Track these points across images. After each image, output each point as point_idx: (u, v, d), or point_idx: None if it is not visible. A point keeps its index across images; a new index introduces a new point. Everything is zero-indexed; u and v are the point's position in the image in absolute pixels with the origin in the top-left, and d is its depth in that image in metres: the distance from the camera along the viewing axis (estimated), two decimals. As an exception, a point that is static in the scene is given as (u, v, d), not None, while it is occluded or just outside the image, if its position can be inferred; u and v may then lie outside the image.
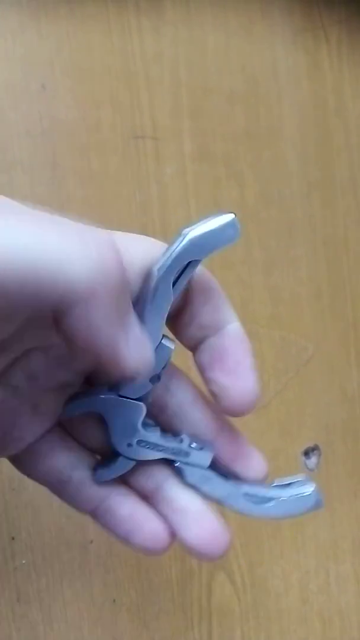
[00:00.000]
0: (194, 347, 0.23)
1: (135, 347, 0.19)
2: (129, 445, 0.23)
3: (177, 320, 0.22)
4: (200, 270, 0.21)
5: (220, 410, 0.23)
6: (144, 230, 0.38)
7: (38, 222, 0.16)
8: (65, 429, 0.23)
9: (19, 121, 0.36)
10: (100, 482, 0.23)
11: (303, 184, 0.44)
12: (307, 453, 0.44)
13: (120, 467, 0.23)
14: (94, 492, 0.23)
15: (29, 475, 0.23)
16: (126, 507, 0.23)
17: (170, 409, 0.24)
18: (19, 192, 0.35)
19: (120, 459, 0.23)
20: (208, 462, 0.23)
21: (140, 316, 0.21)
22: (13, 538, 0.36)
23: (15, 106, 0.36)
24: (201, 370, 0.22)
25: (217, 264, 0.41)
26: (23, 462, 0.23)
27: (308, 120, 0.44)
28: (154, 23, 0.39)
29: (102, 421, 0.23)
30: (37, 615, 0.37)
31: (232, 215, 0.20)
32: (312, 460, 0.44)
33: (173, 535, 0.23)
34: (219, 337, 0.22)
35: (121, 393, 0.22)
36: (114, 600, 0.39)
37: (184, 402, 0.23)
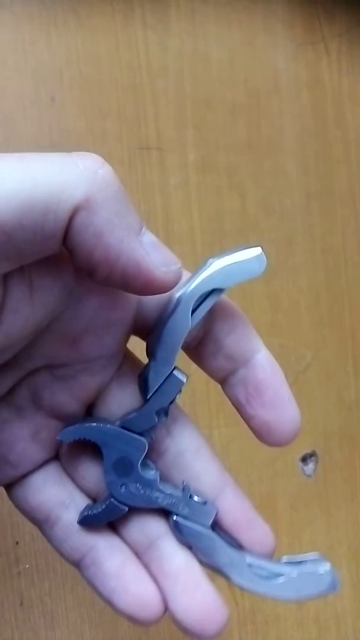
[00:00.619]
0: (222, 379, 0.21)
1: (154, 251, 0.18)
2: (124, 486, 0.21)
3: (201, 350, 0.21)
4: (223, 298, 0.21)
5: (263, 442, 0.21)
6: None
7: (24, 159, 0.16)
8: (62, 465, 0.22)
9: (28, 132, 0.36)
10: (85, 526, 0.21)
11: (303, 195, 0.44)
12: (304, 459, 0.45)
13: (110, 512, 0.21)
14: (82, 538, 0.21)
15: (19, 508, 0.22)
16: (114, 561, 0.21)
17: (170, 455, 0.22)
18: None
19: (111, 502, 0.21)
20: (210, 520, 0.21)
21: (156, 342, 0.20)
22: (17, 543, 0.36)
23: (26, 117, 0.36)
24: (237, 405, 0.21)
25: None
26: (15, 492, 0.22)
27: (308, 132, 0.44)
28: (159, 37, 0.40)
29: (99, 456, 0.21)
30: (40, 620, 0.37)
31: (259, 249, 0.20)
32: (310, 467, 0.45)
33: (165, 603, 0.20)
34: (250, 369, 0.21)
35: (123, 425, 0.21)
36: (115, 605, 0.39)
37: (186, 450, 0.22)
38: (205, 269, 0.20)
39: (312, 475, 0.45)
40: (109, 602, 0.21)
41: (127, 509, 0.21)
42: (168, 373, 0.20)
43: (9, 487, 0.22)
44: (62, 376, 0.21)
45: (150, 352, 0.20)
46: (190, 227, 0.41)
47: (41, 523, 0.22)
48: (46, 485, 0.22)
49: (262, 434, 0.21)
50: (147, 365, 0.20)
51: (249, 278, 0.20)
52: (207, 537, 0.21)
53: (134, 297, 0.20)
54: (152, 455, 0.22)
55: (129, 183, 0.39)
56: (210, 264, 0.20)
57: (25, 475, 0.22)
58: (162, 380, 0.20)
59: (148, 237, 0.18)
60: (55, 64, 0.37)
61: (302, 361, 0.44)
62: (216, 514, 0.21)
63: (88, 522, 0.21)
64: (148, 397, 0.20)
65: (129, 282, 0.18)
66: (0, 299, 0.17)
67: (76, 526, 0.21)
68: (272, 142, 0.43)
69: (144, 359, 0.21)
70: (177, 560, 0.21)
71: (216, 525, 0.21)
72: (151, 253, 0.18)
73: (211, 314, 0.21)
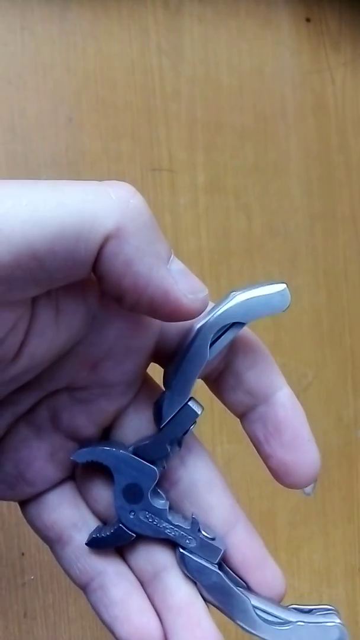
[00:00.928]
0: (241, 414, 0.21)
1: (182, 279, 0.18)
2: (132, 513, 0.21)
3: (221, 383, 0.21)
4: (246, 331, 0.21)
5: (280, 483, 0.21)
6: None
7: (57, 187, 0.16)
8: (76, 487, 0.22)
9: (46, 150, 0.37)
10: (93, 548, 0.21)
11: (306, 216, 0.45)
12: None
13: (118, 537, 0.21)
14: (92, 562, 0.21)
15: (32, 525, 0.22)
16: (120, 589, 0.21)
17: (183, 485, 0.21)
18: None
19: (120, 527, 0.21)
20: (218, 557, 0.20)
21: (173, 371, 0.20)
22: (23, 554, 0.37)
23: (44, 136, 0.37)
24: (255, 443, 0.21)
25: (224, 291, 0.42)
26: (30, 509, 0.22)
27: (312, 157, 0.46)
28: (173, 63, 0.41)
29: (111, 480, 0.21)
30: (43, 632, 0.37)
31: (283, 285, 0.19)
32: (309, 485, 0.45)
33: (165, 637, 0.20)
34: (271, 407, 0.20)
35: (136, 451, 0.21)
36: (116, 618, 0.39)
37: (199, 481, 0.21)
38: (228, 302, 0.19)
39: (311, 493, 0.45)
40: (110, 629, 0.21)
41: (134, 536, 0.21)
42: (183, 404, 0.20)
43: (24, 503, 0.22)
44: (82, 399, 0.21)
45: (167, 382, 0.20)
46: (198, 247, 0.42)
47: (53, 542, 0.22)
48: (61, 506, 0.22)
49: (279, 475, 0.20)
50: (163, 394, 0.20)
51: (271, 313, 0.19)
52: (212, 575, 0.20)
53: (156, 325, 0.20)
54: (165, 483, 0.22)
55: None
56: (233, 297, 0.19)
57: (40, 494, 0.22)
58: (176, 411, 0.20)
59: (176, 265, 0.18)
60: (73, 86, 0.38)
61: (303, 380, 0.45)
62: (224, 551, 0.21)
63: (96, 544, 0.21)
64: (161, 426, 0.20)
65: (156, 309, 0.18)
66: (27, 321, 0.17)
67: (86, 549, 0.21)
68: (278, 165, 0.44)
69: (162, 385, 0.22)
70: (180, 594, 0.20)
71: (224, 562, 0.21)
72: (179, 281, 0.18)
73: (233, 347, 0.20)
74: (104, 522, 0.22)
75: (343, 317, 0.46)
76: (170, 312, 0.18)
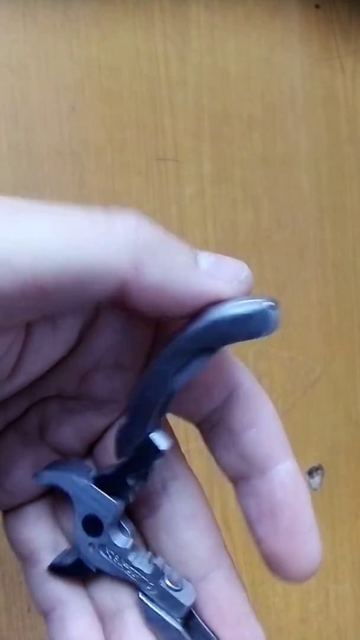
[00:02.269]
0: (233, 478, 0.18)
1: (218, 270, 0.16)
2: (92, 546, 0.18)
3: (214, 437, 0.19)
4: (249, 382, 0.18)
5: (271, 573, 0.18)
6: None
7: (66, 218, 0.15)
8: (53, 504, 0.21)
9: (49, 140, 0.37)
10: (53, 574, 0.19)
11: (315, 209, 0.45)
12: (310, 473, 0.45)
13: (78, 569, 0.19)
14: (56, 590, 0.19)
15: (8, 538, 0.21)
16: (79, 626, 0.19)
17: (161, 515, 0.19)
18: (47, 209, 0.35)
19: (80, 559, 0.19)
20: (182, 612, 0.18)
21: (132, 398, 0.17)
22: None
23: (47, 126, 0.37)
24: (247, 519, 0.18)
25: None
26: (9, 519, 0.20)
27: (322, 148, 0.45)
28: (179, 51, 0.40)
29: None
30: (46, 627, 0.37)
31: (267, 303, 0.16)
32: (316, 480, 0.45)
33: None
34: (267, 483, 0.17)
35: (98, 481, 0.18)
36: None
37: (179, 513, 0.19)
38: (198, 320, 0.16)
39: (317, 489, 0.45)
40: None
41: (94, 571, 0.19)
42: (143, 437, 0.17)
43: (4, 512, 0.21)
44: (71, 409, 0.20)
45: (127, 409, 0.18)
46: (204, 239, 0.41)
47: (24, 560, 0.20)
48: (37, 522, 0.20)
49: (270, 565, 0.18)
50: (121, 422, 0.18)
51: (249, 337, 0.16)
52: (172, 631, 0.18)
53: (147, 342, 0.19)
54: (143, 510, 0.19)
55: (145, 193, 0.39)
56: (204, 314, 0.16)
57: (20, 505, 0.20)
58: (135, 444, 0.17)
59: (205, 259, 0.17)
60: (77, 74, 0.38)
61: (311, 375, 0.44)
62: (192, 604, 0.18)
63: (56, 571, 0.19)
64: (119, 456, 0.18)
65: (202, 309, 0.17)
66: (22, 342, 0.17)
67: (51, 576, 0.20)
68: (286, 156, 0.44)
69: None
70: (139, 636, 0.18)
71: (195, 611, 0.18)
72: (215, 274, 0.16)
73: (231, 398, 0.18)
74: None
75: (352, 311, 0.46)
76: (199, 301, 0.16)
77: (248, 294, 0.16)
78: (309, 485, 0.44)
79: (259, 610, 0.44)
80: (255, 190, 0.43)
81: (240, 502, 0.18)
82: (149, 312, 0.17)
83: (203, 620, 0.18)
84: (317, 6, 0.44)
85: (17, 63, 0.36)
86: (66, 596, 0.19)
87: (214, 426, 0.19)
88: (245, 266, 0.17)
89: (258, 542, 0.18)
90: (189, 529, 0.19)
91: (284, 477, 0.17)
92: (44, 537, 0.20)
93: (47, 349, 0.17)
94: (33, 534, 0.20)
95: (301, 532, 0.17)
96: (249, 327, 0.16)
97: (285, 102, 0.44)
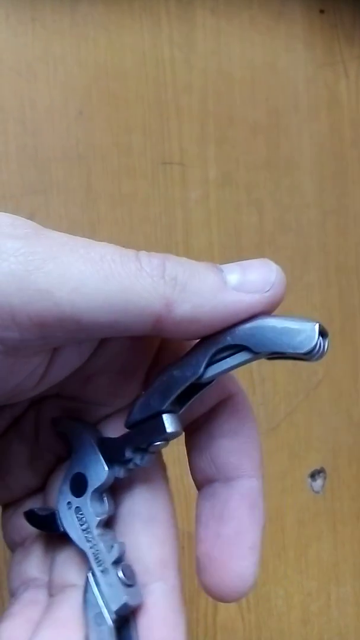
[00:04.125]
0: (198, 483, 0.19)
1: (248, 281, 0.17)
2: (69, 504, 0.18)
3: (193, 439, 0.19)
4: (241, 395, 0.19)
5: (198, 578, 0.17)
6: (168, 252, 0.39)
7: (104, 259, 0.16)
8: (44, 496, 0.21)
9: (56, 144, 0.37)
10: (27, 519, 0.19)
11: (319, 213, 0.45)
12: (313, 475, 0.45)
13: (48, 524, 0.19)
14: (29, 569, 0.19)
15: (4, 526, 0.21)
16: (22, 602, 0.19)
17: (122, 509, 0.19)
18: (54, 212, 0.36)
19: (53, 514, 0.19)
20: (120, 610, 0.17)
21: (159, 376, 0.18)
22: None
23: (54, 129, 0.37)
24: (195, 521, 0.18)
25: (234, 287, 0.42)
26: (6, 513, 0.21)
27: (325, 152, 0.45)
28: (185, 55, 0.41)
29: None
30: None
31: (313, 325, 0.16)
32: (318, 483, 0.45)
33: None
34: (227, 488, 0.18)
35: (101, 442, 0.19)
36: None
37: (138, 514, 0.18)
38: (247, 322, 0.17)
39: (320, 492, 0.45)
40: None
41: (61, 531, 0.18)
42: (155, 411, 0.17)
43: (4, 506, 0.21)
44: (67, 408, 0.20)
45: (150, 383, 0.18)
46: (209, 242, 0.41)
47: (15, 545, 0.21)
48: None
49: (199, 568, 0.17)
50: (142, 393, 0.18)
51: (290, 352, 0.16)
52: (103, 625, 0.17)
53: (151, 350, 0.19)
54: (113, 496, 0.19)
55: (151, 197, 0.39)
56: (254, 320, 0.17)
57: (18, 500, 0.21)
58: (146, 416, 0.18)
59: (233, 274, 0.17)
60: (84, 78, 0.38)
61: (313, 377, 0.45)
62: (132, 606, 0.17)
63: (30, 518, 0.19)
64: (126, 427, 0.18)
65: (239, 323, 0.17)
66: (49, 358, 0.17)
67: (32, 555, 0.20)
68: (290, 160, 0.44)
69: None
70: (67, 612, 0.17)
71: (132, 620, 0.17)
72: (247, 285, 0.17)
73: (220, 406, 0.18)
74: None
75: (354, 315, 0.46)
76: (253, 316, 0.17)
77: (283, 293, 0.17)
78: (312, 488, 0.45)
79: (261, 612, 0.44)
80: (259, 194, 0.43)
81: (197, 505, 0.18)
82: (182, 339, 0.17)
83: (137, 631, 0.17)
84: (321, 11, 0.45)
85: (26, 67, 0.37)
86: (34, 574, 0.19)
87: (196, 429, 0.19)
88: (272, 265, 0.17)
89: (197, 542, 0.18)
90: (144, 531, 0.18)
91: (246, 491, 0.18)
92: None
93: (71, 361, 0.18)
94: (24, 522, 0.20)
95: (241, 547, 0.17)
96: (294, 341, 0.16)
97: (289, 106, 0.44)
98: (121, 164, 0.39)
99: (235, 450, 0.18)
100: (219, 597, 0.17)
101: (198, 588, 0.42)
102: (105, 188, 0.38)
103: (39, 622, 0.17)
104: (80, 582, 0.18)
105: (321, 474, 0.45)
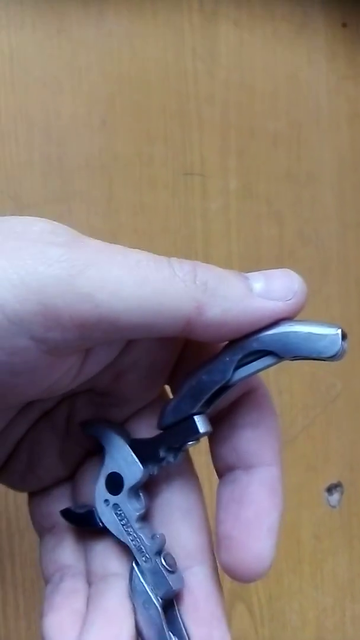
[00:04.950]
0: (220, 470, 0.20)
1: (270, 289, 0.18)
2: (106, 502, 0.20)
3: (217, 426, 0.20)
4: (264, 389, 0.20)
5: (217, 558, 0.19)
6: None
7: (140, 265, 0.17)
8: (73, 486, 0.22)
9: (80, 153, 0.37)
10: (64, 518, 0.21)
11: (339, 225, 0.45)
12: (329, 490, 0.44)
13: (87, 520, 0.20)
14: (62, 556, 0.21)
15: (32, 513, 0.22)
16: (66, 588, 0.20)
17: (159, 501, 0.20)
18: (76, 220, 0.36)
19: (91, 511, 0.20)
20: (164, 593, 0.19)
21: (188, 378, 0.19)
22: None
23: (78, 139, 0.37)
24: (216, 505, 0.19)
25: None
26: (35, 501, 0.22)
27: (346, 165, 0.45)
28: (208, 67, 0.41)
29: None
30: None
31: (335, 330, 0.17)
32: (334, 497, 0.45)
33: None
34: (248, 477, 0.19)
35: (134, 444, 0.20)
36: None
37: (176, 505, 0.20)
38: (271, 328, 0.18)
39: (336, 506, 0.44)
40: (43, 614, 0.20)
41: (100, 526, 0.20)
42: (187, 414, 0.19)
43: (32, 493, 0.23)
44: (98, 403, 0.21)
45: (180, 387, 0.19)
46: (228, 252, 0.41)
47: (43, 531, 0.22)
48: (61, 499, 0.22)
49: (220, 548, 0.19)
50: (173, 397, 0.20)
51: (315, 356, 0.18)
52: (152, 609, 0.18)
53: (177, 346, 0.20)
54: (147, 491, 0.21)
55: (171, 207, 0.40)
56: (278, 325, 0.18)
57: (45, 488, 0.22)
58: (178, 419, 0.19)
59: (258, 282, 0.18)
60: (108, 89, 0.38)
61: (332, 390, 0.44)
62: (176, 591, 0.19)
63: (67, 516, 0.21)
64: (159, 429, 0.20)
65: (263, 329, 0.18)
66: (84, 355, 0.19)
67: (64, 541, 0.21)
68: (311, 172, 0.44)
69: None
70: (115, 601, 0.19)
71: (174, 604, 0.19)
72: (271, 293, 0.18)
73: (242, 398, 0.20)
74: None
75: (374, 327, 0.46)
76: (276, 321, 0.18)
77: (304, 301, 0.18)
78: (328, 502, 0.44)
79: (275, 627, 0.44)
80: (280, 206, 0.43)
81: (218, 491, 0.20)
82: (211, 341, 0.18)
83: (180, 615, 0.19)
84: (344, 25, 0.45)
85: (51, 78, 0.37)
86: (69, 561, 0.21)
87: (220, 420, 0.20)
88: (294, 275, 0.19)
89: (218, 524, 0.19)
90: (182, 521, 0.20)
91: (266, 477, 0.19)
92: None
93: (102, 359, 0.19)
94: (54, 509, 0.21)
95: (260, 529, 0.18)
96: (318, 346, 0.17)
97: (310, 118, 0.44)
98: (143, 174, 0.39)
99: (257, 439, 0.19)
100: (238, 576, 0.18)
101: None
102: (126, 197, 0.38)
103: (86, 612, 0.19)
104: (121, 571, 0.20)
105: (338, 488, 0.44)
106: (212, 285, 0.17)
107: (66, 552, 0.21)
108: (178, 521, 0.20)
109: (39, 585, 0.37)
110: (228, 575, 0.18)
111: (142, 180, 0.39)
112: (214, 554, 0.20)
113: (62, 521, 0.21)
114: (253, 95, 0.42)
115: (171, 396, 0.21)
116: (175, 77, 0.40)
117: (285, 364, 0.45)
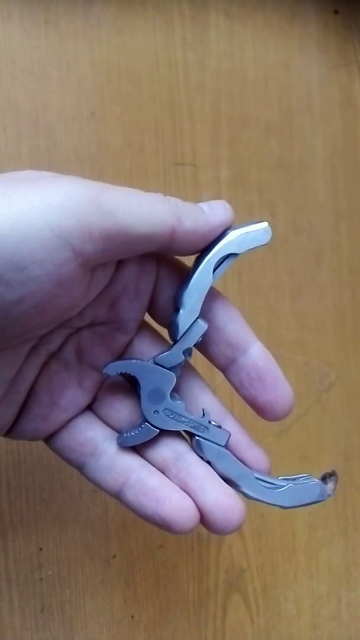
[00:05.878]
0: (224, 366, 0.26)
1: (212, 210, 0.25)
2: (156, 412, 0.25)
3: (206, 339, 0.26)
4: (222, 297, 0.26)
5: (265, 419, 0.26)
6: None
7: (135, 193, 0.23)
8: (94, 411, 0.27)
9: (69, 144, 0.37)
10: (123, 447, 0.25)
11: (332, 214, 0.45)
12: (324, 478, 0.45)
13: (145, 433, 0.25)
14: (126, 463, 0.25)
15: (64, 451, 0.26)
16: (155, 478, 0.25)
17: (183, 390, 0.27)
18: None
19: (146, 425, 0.25)
20: (225, 440, 0.26)
21: (184, 294, 0.25)
22: (41, 549, 0.37)
23: (67, 130, 0.37)
24: (240, 388, 0.26)
25: (246, 287, 0.42)
26: (62, 436, 0.26)
27: (338, 153, 0.45)
28: (198, 56, 0.41)
29: (130, 395, 0.26)
30: (59, 628, 0.37)
31: (266, 224, 0.25)
32: (329, 486, 0.45)
33: (197, 511, 0.24)
34: (250, 358, 0.25)
35: (156, 362, 0.25)
36: (133, 617, 0.39)
37: (194, 387, 0.27)
38: (225, 238, 0.25)
39: (331, 495, 0.44)
40: (151, 514, 0.24)
41: (158, 432, 0.25)
42: (193, 320, 0.25)
43: (53, 435, 0.26)
44: (101, 333, 0.25)
45: (180, 303, 0.25)
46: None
47: (86, 459, 0.26)
48: (91, 425, 0.26)
49: (265, 412, 0.25)
50: (177, 313, 0.25)
51: (258, 246, 0.25)
52: (223, 454, 0.25)
53: (153, 271, 0.25)
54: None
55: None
56: (228, 234, 0.25)
57: (69, 420, 0.26)
58: (188, 326, 0.25)
59: (206, 206, 0.25)
60: (97, 80, 0.38)
61: (325, 380, 0.44)
62: (230, 435, 0.26)
63: (125, 442, 0.25)
64: (177, 338, 0.25)
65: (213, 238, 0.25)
66: (89, 276, 0.23)
67: (119, 454, 0.26)
68: (303, 161, 0.44)
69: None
70: (202, 468, 0.25)
71: (229, 453, 0.26)
72: (216, 212, 0.24)
73: (212, 307, 0.26)
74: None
75: (367, 316, 0.46)
76: (215, 232, 0.25)
77: (234, 217, 0.25)
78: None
79: (270, 616, 0.44)
80: (272, 195, 0.43)
81: (234, 380, 0.26)
82: (186, 251, 0.24)
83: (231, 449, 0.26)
84: (335, 12, 0.45)
85: (39, 69, 0.37)
86: (135, 465, 0.25)
87: (205, 332, 0.26)
88: (224, 201, 0.25)
89: (253, 399, 0.25)
90: (202, 395, 0.26)
91: (259, 351, 0.25)
92: (101, 433, 0.26)
93: (102, 279, 0.24)
94: (92, 434, 0.26)
95: (280, 385, 0.25)
96: (259, 239, 0.25)
97: (302, 107, 0.44)
98: (133, 165, 0.39)
99: (239, 330, 0.25)
100: (282, 418, 0.25)
101: (205, 591, 0.42)
102: (117, 189, 0.38)
103: (183, 483, 0.25)
104: (185, 449, 0.26)
105: (332, 477, 0.44)
106: (182, 206, 0.24)
107: (127, 459, 0.25)
108: (201, 397, 0.26)
109: (33, 579, 0.37)
110: (276, 420, 0.25)
111: (132, 171, 0.39)
112: (231, 413, 0.27)
113: (100, 441, 0.26)
114: (244, 84, 0.42)
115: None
116: (164, 67, 0.40)
117: (278, 353, 0.44)
